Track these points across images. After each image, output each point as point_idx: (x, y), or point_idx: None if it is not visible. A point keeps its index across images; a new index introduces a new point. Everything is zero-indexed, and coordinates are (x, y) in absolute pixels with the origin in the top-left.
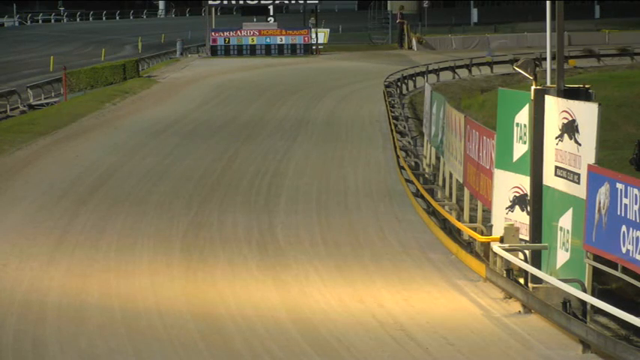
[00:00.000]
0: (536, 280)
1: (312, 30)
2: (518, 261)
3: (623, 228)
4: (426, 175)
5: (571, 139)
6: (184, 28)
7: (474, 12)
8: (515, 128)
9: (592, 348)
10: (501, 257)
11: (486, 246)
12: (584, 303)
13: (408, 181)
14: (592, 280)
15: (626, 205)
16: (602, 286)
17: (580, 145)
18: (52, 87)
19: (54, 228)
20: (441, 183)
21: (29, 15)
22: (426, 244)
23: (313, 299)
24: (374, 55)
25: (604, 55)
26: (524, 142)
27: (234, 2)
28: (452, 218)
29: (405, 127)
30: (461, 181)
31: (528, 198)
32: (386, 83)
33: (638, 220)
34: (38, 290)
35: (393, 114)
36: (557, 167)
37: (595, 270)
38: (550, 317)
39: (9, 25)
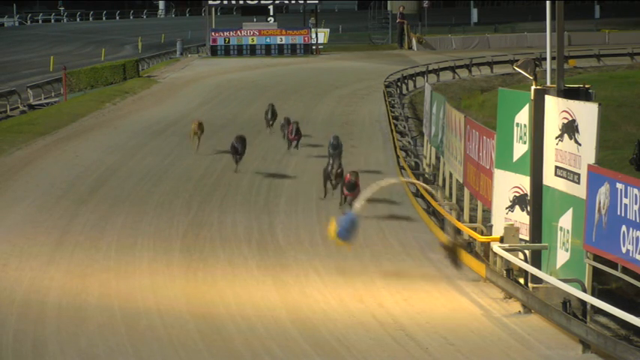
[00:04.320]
0: (536, 280)
1: (312, 30)
2: (518, 261)
3: (623, 228)
4: (426, 175)
5: (571, 139)
6: (184, 28)
7: (474, 12)
8: (515, 128)
9: (592, 348)
10: (501, 257)
11: (486, 246)
12: (584, 303)
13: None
14: (592, 280)
15: (626, 205)
16: (602, 286)
17: (580, 145)
18: (52, 87)
19: (54, 228)
20: (441, 183)
21: (29, 15)
22: (426, 244)
23: (313, 299)
24: (374, 55)
25: (604, 55)
26: (524, 142)
27: (234, 2)
28: (452, 218)
29: (405, 127)
30: (461, 181)
31: (528, 198)
32: (386, 83)
33: (638, 220)
34: (38, 290)
35: (393, 114)
36: (557, 167)
37: (595, 270)
38: (550, 317)
39: (9, 25)
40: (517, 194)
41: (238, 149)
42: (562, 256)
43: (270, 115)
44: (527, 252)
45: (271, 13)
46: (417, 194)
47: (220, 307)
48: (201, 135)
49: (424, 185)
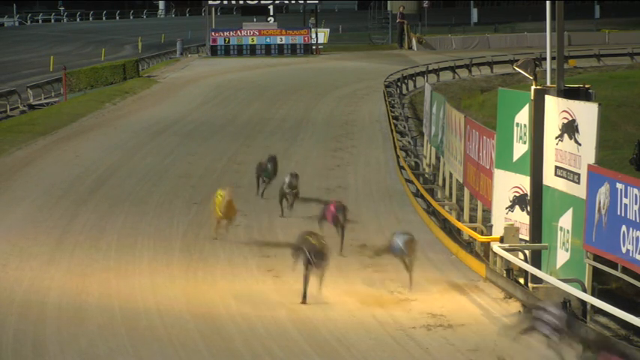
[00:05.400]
0: (536, 280)
1: (312, 30)
2: (518, 261)
3: (623, 228)
4: (426, 175)
5: (571, 139)
6: (184, 28)
7: (474, 12)
8: (515, 128)
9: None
10: (501, 257)
11: (486, 246)
12: (584, 303)
13: (408, 181)
14: (592, 280)
15: (626, 205)
16: (602, 286)
17: (580, 145)
18: (52, 87)
19: (54, 228)
20: (441, 183)
21: (29, 15)
22: (426, 244)
23: (313, 299)
24: (374, 55)
25: (604, 55)
26: (524, 142)
27: (234, 2)
28: (452, 218)
29: (405, 127)
30: (461, 181)
31: (528, 198)
32: (386, 83)
33: (638, 220)
34: (38, 290)
35: (393, 114)
36: (557, 167)
37: (595, 270)
38: None
39: (9, 25)
40: (517, 194)
41: (312, 260)
42: (562, 256)
43: (272, 169)
44: (527, 252)
45: (271, 13)
46: (417, 194)
47: (220, 307)
48: (233, 218)
49: None
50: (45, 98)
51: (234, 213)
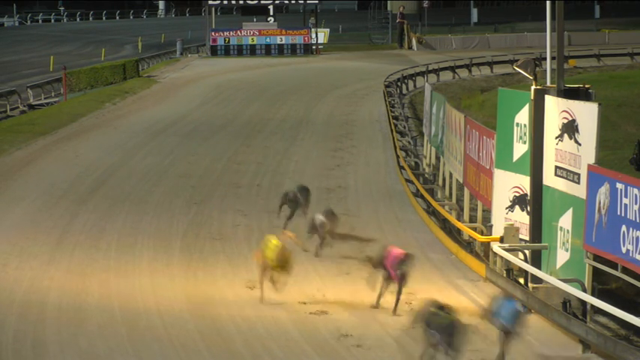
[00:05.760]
0: (536, 280)
1: (312, 30)
2: (518, 261)
3: (623, 228)
4: (426, 175)
5: (571, 139)
6: (184, 28)
7: (474, 12)
8: (515, 128)
9: (592, 348)
10: (501, 257)
11: (486, 246)
12: (584, 303)
13: (408, 180)
14: (592, 280)
15: (626, 205)
16: (602, 286)
17: (580, 145)
18: (52, 87)
19: (54, 228)
20: (441, 183)
21: (29, 15)
22: (426, 244)
23: (313, 299)
24: (374, 55)
25: (604, 55)
26: (524, 142)
27: (234, 2)
28: (452, 218)
29: (405, 127)
30: (461, 181)
31: (528, 198)
32: (386, 83)
33: (638, 220)
34: (38, 290)
35: (393, 114)
36: (557, 167)
37: (595, 270)
38: (550, 317)
39: (9, 25)
40: (517, 194)
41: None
42: (562, 256)
43: (303, 201)
44: (527, 252)
45: (271, 13)
46: (417, 194)
47: (220, 307)
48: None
49: None
50: (45, 98)
51: (290, 264)
